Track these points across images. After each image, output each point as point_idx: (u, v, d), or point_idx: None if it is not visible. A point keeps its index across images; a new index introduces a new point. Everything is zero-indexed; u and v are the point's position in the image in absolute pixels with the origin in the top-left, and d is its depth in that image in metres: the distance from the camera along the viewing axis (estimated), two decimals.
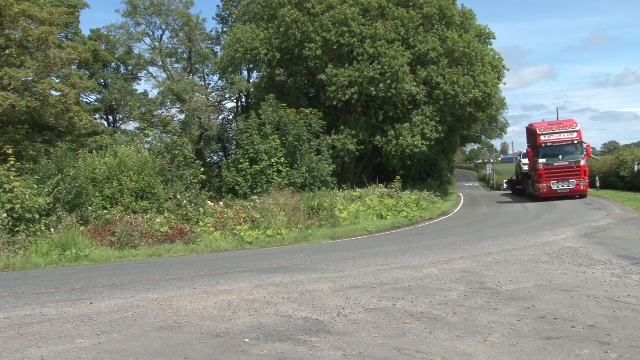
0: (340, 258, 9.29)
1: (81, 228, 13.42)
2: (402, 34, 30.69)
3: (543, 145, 25.56)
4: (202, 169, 22.51)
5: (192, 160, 21.28)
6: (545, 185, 25.53)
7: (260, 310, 5.02)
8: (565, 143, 25.51)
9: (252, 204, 18.48)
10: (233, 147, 34.84)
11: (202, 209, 17.00)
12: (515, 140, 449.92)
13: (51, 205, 13.84)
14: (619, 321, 4.62)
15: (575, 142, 25.34)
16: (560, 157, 25.37)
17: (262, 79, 35.38)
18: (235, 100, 43.55)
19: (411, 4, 32.05)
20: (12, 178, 12.83)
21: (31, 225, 12.55)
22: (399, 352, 3.80)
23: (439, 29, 31.71)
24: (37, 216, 12.75)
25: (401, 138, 30.03)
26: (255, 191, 23.17)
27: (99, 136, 29.67)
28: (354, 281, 6.57)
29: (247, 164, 24.64)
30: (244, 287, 6.19)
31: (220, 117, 43.46)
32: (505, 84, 40.70)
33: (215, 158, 44.77)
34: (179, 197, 17.76)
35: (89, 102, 39.03)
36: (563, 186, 25.33)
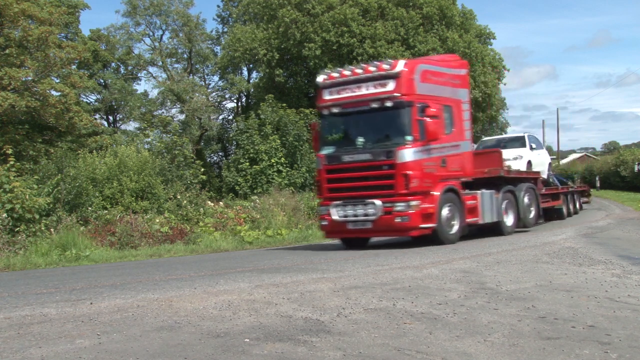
0: (340, 258, 9.29)
1: (81, 228, 13.42)
2: (401, 34, 30.71)
3: (327, 113, 11.50)
4: (202, 169, 22.53)
5: (192, 160, 21.29)
6: (325, 209, 11.25)
7: (260, 310, 5.02)
8: (368, 107, 10.85)
9: (252, 204, 18.48)
10: (233, 147, 34.82)
11: (202, 209, 17.00)
12: None
13: (51, 205, 13.83)
14: (619, 321, 4.62)
15: (389, 103, 10.57)
16: (361, 141, 11.17)
17: (261, 79, 35.40)
18: (235, 100, 43.59)
19: (411, 4, 32.07)
20: (12, 178, 12.82)
21: (31, 225, 12.55)
22: (399, 352, 3.80)
23: (439, 29, 31.75)
24: (37, 216, 12.75)
25: None
26: (255, 191, 23.17)
27: (99, 136, 29.65)
28: (354, 281, 6.57)
29: (247, 164, 24.64)
30: (244, 287, 6.19)
31: (220, 117, 43.47)
32: (505, 84, 40.71)
33: (215, 158, 44.75)
34: (179, 197, 17.76)
35: (89, 102, 39.01)
36: (356, 213, 10.80)
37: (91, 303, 5.42)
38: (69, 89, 22.27)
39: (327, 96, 11.45)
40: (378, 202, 10.48)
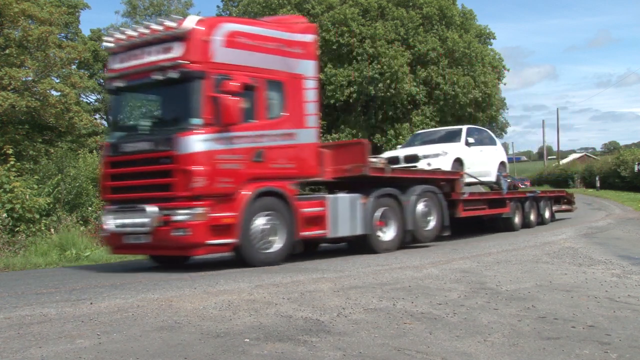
0: (340, 258, 9.29)
1: (81, 228, 13.42)
2: (401, 34, 30.74)
3: (111, 87, 8.96)
4: None
5: None
6: (106, 217, 8.57)
7: (260, 310, 5.02)
8: (150, 79, 8.15)
9: None
10: None
11: None
12: (515, 140, 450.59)
13: (51, 205, 13.84)
14: (619, 321, 4.63)
15: (173, 74, 7.88)
16: (145, 125, 9.36)
17: None
18: None
19: (411, 4, 32.10)
20: (12, 178, 12.83)
21: (31, 225, 12.56)
22: (399, 352, 3.80)
23: (439, 29, 31.77)
24: (37, 216, 12.76)
25: (400, 137, 30.09)
26: None
27: (99, 136, 29.62)
28: (354, 281, 6.58)
29: None
30: (244, 287, 6.19)
31: None
32: (505, 84, 40.77)
33: None
34: None
35: (89, 102, 38.98)
36: (129, 222, 8.18)
37: (91, 303, 5.42)
38: (69, 89, 22.26)
39: (113, 65, 8.84)
40: (151, 208, 7.78)
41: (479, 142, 13.92)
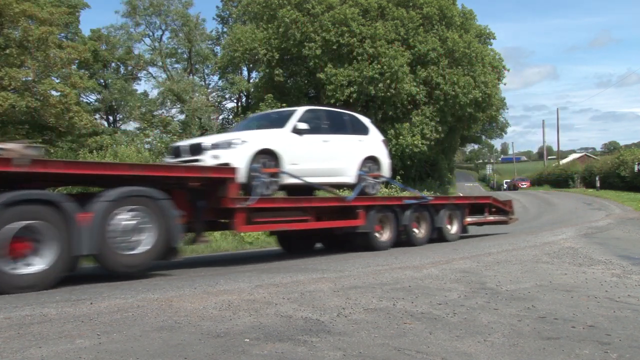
0: (340, 258, 9.29)
1: None
2: (401, 34, 30.78)
3: None
4: None
5: None
6: None
7: (260, 310, 5.02)
8: None
9: None
10: None
11: None
12: (515, 140, 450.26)
13: None
14: (619, 321, 4.63)
15: None
16: None
17: (261, 79, 35.51)
18: (235, 100, 43.70)
19: (411, 4, 32.15)
20: None
21: None
22: (399, 352, 3.80)
23: (439, 29, 31.82)
24: None
25: (401, 137, 30.11)
26: None
27: (99, 136, 29.67)
28: (354, 281, 6.57)
29: None
30: (244, 287, 6.19)
31: (221, 117, 43.55)
32: (505, 84, 40.82)
33: None
34: None
35: (89, 102, 39.06)
36: None
37: (91, 303, 5.42)
38: (69, 89, 22.30)
39: None
40: None
41: (328, 130, 10.33)
